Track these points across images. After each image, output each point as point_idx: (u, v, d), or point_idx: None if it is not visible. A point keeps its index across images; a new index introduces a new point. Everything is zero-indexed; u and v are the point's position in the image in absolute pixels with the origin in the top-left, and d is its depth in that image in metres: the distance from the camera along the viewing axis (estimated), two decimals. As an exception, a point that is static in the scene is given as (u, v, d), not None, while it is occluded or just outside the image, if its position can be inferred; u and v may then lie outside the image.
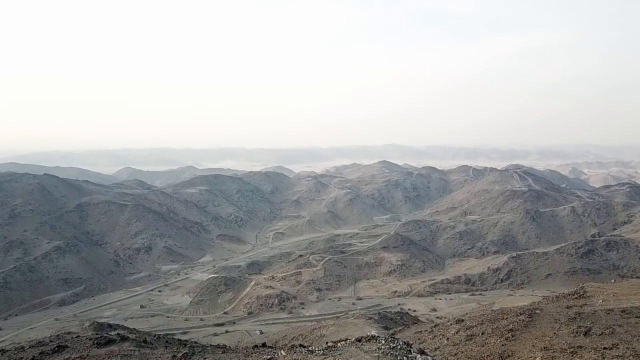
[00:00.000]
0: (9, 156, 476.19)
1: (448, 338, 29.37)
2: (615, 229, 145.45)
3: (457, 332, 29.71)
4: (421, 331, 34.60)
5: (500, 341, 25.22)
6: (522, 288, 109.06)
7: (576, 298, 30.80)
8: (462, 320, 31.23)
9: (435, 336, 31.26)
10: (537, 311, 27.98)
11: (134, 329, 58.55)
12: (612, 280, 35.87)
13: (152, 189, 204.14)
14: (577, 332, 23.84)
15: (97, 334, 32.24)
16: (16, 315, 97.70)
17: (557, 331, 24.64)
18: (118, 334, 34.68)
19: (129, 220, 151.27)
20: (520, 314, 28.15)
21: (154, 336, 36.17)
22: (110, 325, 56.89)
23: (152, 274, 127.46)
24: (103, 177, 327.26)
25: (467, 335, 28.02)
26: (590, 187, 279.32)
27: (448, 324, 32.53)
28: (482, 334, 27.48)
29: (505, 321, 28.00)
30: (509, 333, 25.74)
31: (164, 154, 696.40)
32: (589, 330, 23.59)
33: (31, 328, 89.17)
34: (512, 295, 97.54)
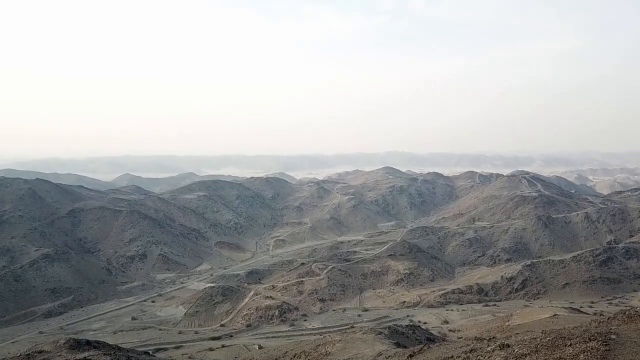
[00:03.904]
0: (8, 163, 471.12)
1: (493, 369, 22.94)
2: (632, 236, 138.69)
3: (504, 362, 23.28)
4: (452, 357, 28.12)
5: (572, 378, 18.84)
6: (538, 298, 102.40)
7: (657, 318, 24.39)
8: (509, 346, 24.78)
9: (474, 365, 24.82)
10: (613, 336, 21.58)
11: (115, 346, 52.20)
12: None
13: (148, 195, 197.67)
14: (683, 369, 17.41)
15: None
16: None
17: (652, 366, 18.20)
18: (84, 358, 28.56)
19: (123, 226, 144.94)
20: (590, 339, 21.72)
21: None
22: (88, 342, 50.59)
23: (145, 283, 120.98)
24: (101, 183, 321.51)
25: (521, 367, 21.62)
26: (599, 193, 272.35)
27: (489, 349, 26.08)
28: (542, 366, 21.07)
29: (571, 349, 21.57)
30: (582, 367, 19.34)
31: (165, 161, 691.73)
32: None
33: (13, 342, 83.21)
34: (529, 306, 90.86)
